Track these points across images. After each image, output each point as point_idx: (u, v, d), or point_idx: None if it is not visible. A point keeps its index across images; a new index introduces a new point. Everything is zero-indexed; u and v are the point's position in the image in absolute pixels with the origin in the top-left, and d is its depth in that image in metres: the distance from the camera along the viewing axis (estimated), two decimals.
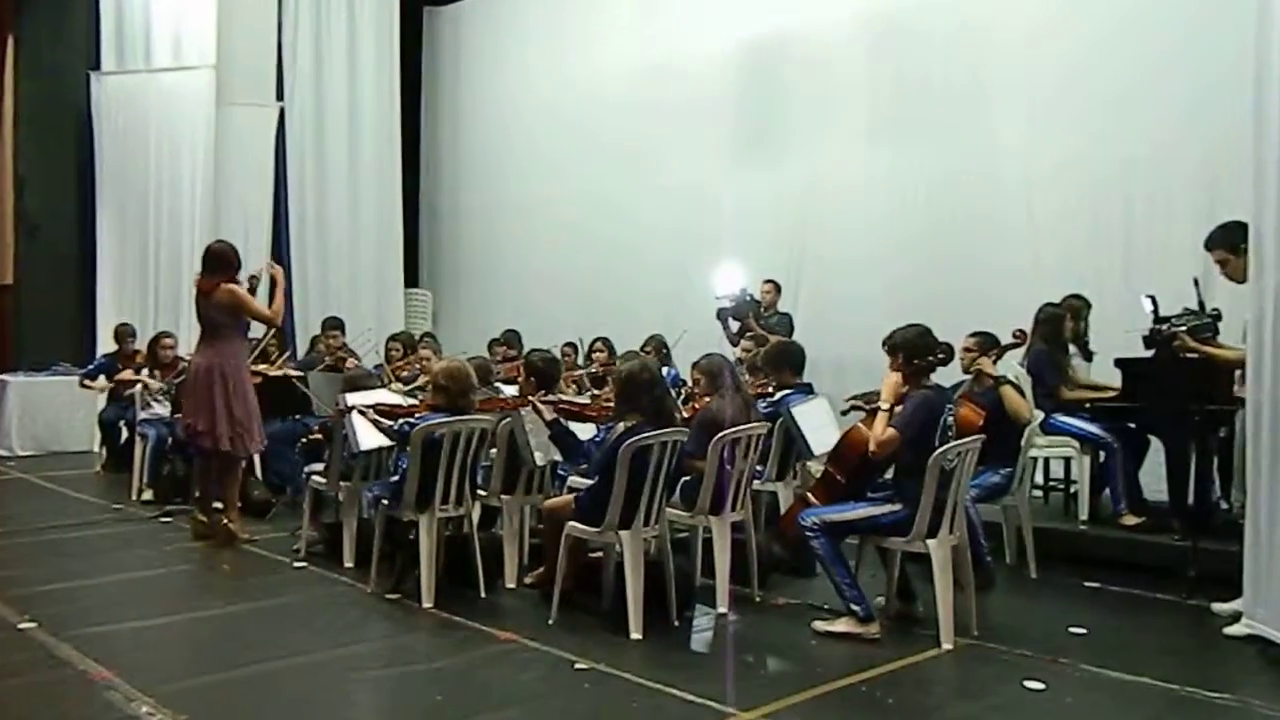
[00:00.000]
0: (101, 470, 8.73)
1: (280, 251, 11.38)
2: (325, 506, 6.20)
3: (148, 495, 7.48)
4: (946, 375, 4.71)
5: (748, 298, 8.27)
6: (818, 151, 8.90)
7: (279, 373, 7.41)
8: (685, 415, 5.02)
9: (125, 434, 8.46)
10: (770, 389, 5.86)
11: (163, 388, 7.87)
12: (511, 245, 11.72)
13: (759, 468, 5.40)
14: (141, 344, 8.57)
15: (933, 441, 4.21)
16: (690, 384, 5.96)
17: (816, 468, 5.22)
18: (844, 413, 5.54)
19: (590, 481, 4.68)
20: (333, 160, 11.81)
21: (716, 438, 4.68)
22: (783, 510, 5.29)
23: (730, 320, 8.27)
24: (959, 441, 4.27)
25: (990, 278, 7.59)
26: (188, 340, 8.48)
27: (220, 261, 6.03)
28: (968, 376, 5.46)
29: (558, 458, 5.03)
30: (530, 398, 4.87)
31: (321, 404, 6.48)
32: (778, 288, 8.46)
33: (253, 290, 6.09)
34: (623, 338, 8.16)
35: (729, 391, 4.98)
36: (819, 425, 5.47)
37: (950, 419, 4.33)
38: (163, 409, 7.82)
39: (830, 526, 4.28)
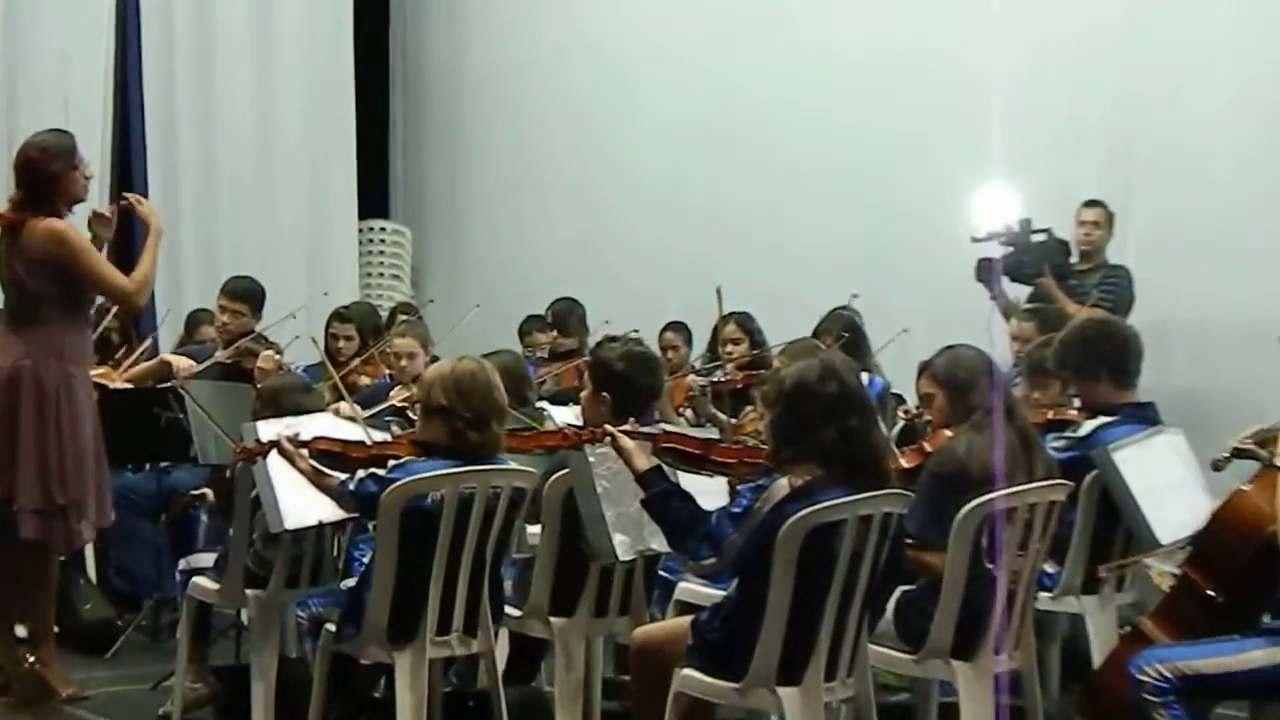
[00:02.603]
0: None
1: (129, 156, 11.57)
2: (218, 635, 6.29)
3: None
4: None
5: (1037, 235, 8.24)
6: None
7: (124, 383, 7.52)
8: (906, 464, 5.05)
9: None
10: (1072, 413, 5.81)
11: None
12: (561, 141, 11.83)
13: (1049, 569, 5.36)
14: None
15: None
16: (916, 405, 5.98)
17: (1165, 569, 5.16)
18: (1217, 466, 5.32)
19: (722, 591, 4.69)
20: None
21: (967, 509, 4.71)
22: (1098, 654, 5.24)
23: (1000, 280, 8.26)
24: None
25: None
26: None
27: (34, 177, 6.16)
28: None
29: (657, 544, 5.01)
30: (607, 429, 4.84)
31: (209, 440, 6.47)
32: (1108, 215, 8.44)
33: (99, 246, 6.24)
34: (778, 314, 8.18)
35: (992, 419, 5.01)
36: (1168, 485, 5.46)
37: None
38: None
39: (1193, 682, 4.23)
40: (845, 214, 10.04)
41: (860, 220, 9.92)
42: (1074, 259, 8.35)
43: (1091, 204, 8.42)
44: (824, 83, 10.37)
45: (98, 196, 10.37)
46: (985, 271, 8.26)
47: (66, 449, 6.09)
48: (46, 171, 6.14)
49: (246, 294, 8.33)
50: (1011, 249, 8.25)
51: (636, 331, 5.54)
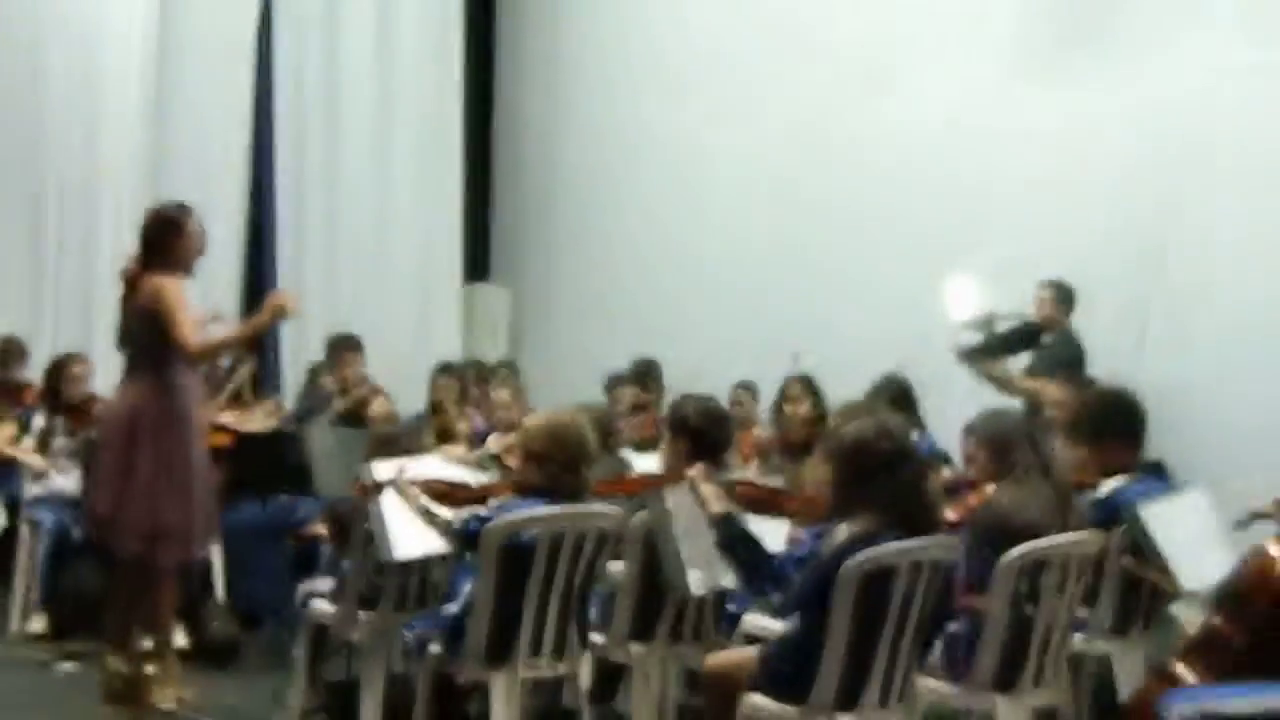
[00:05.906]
0: None
1: (264, 212, 11.58)
2: (332, 653, 6.35)
3: (38, 625, 7.74)
4: None
5: (1005, 321, 8.42)
6: (1179, 53, 8.83)
7: (259, 427, 7.68)
8: (953, 517, 5.11)
9: (4, 520, 8.48)
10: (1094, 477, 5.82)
11: (69, 445, 8.09)
12: (651, 209, 11.69)
13: (1082, 612, 5.38)
14: (37, 371, 8.77)
15: None
16: (964, 462, 5.99)
17: (1192, 617, 5.20)
18: (1241, 525, 5.50)
19: (786, 624, 4.75)
20: (350, 56, 12.06)
21: (1009, 557, 4.75)
22: (1124, 691, 5.28)
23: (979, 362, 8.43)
24: None
25: None
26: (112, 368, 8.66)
27: (152, 235, 6.23)
28: None
29: (728, 581, 5.03)
30: (686, 474, 4.97)
31: (328, 478, 6.67)
32: (1064, 294, 8.51)
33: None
34: (837, 376, 7.99)
35: (1031, 476, 5.10)
36: (1194, 540, 5.40)
37: None
38: (68, 481, 8.05)
39: None
40: (901, 278, 9.79)
41: (915, 283, 9.51)
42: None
43: (1049, 284, 8.49)
44: (893, 149, 10.15)
45: (235, 253, 10.72)
46: (968, 354, 8.41)
47: (175, 480, 6.08)
48: (157, 232, 6.20)
49: (359, 347, 8.70)
50: (979, 329, 8.46)
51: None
